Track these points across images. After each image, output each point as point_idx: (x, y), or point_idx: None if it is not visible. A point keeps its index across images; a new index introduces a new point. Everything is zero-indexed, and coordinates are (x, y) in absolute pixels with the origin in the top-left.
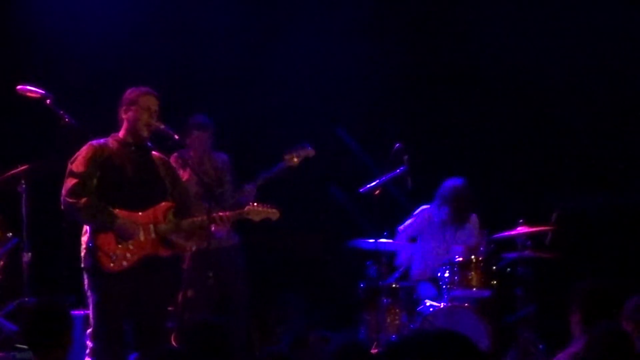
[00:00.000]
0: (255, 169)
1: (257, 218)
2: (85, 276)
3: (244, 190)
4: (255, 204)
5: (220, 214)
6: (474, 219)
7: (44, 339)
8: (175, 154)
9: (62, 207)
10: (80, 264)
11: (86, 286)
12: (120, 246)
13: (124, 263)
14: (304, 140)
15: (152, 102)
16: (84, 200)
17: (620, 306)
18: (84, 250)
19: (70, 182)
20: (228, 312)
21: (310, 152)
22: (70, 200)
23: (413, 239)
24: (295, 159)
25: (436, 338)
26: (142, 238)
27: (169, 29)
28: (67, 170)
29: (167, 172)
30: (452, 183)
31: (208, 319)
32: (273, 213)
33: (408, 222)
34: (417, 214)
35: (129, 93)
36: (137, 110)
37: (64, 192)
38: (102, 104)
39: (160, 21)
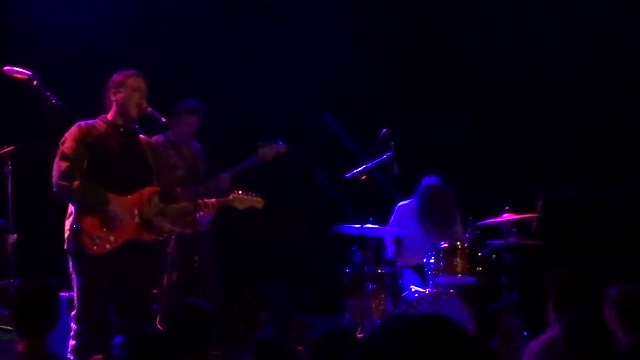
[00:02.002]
0: (244, 155)
1: (241, 206)
2: (69, 258)
3: (220, 178)
4: (240, 191)
5: (206, 200)
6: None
7: (32, 320)
8: (162, 137)
9: (55, 189)
10: (64, 246)
11: (70, 268)
12: (104, 229)
13: (107, 246)
14: (277, 135)
15: (140, 83)
16: (76, 182)
17: (592, 294)
18: (68, 232)
19: (62, 165)
20: (203, 295)
21: (281, 148)
22: (63, 183)
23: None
24: (269, 155)
25: (422, 322)
26: (126, 221)
27: (155, 12)
28: (58, 152)
29: (153, 155)
30: (429, 183)
31: (193, 302)
32: (258, 202)
33: (390, 220)
34: (395, 212)
35: (117, 76)
36: (126, 91)
37: (55, 174)
38: (89, 86)
39: (147, 5)
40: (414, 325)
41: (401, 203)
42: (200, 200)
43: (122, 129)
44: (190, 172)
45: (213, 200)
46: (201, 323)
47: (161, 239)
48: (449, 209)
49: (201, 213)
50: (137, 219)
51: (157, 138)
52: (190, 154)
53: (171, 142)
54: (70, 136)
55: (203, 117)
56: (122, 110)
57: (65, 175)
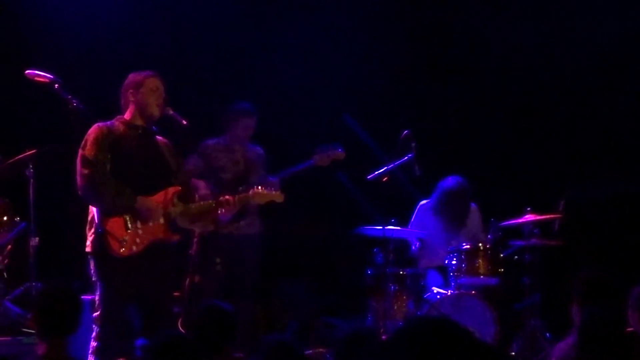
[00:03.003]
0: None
1: (261, 201)
2: (92, 261)
3: (267, 182)
4: (259, 187)
5: (227, 197)
6: (474, 209)
7: (54, 323)
8: (215, 140)
9: (81, 195)
10: (85, 249)
11: (92, 271)
12: (129, 231)
13: (134, 247)
14: (335, 142)
15: (158, 84)
16: (101, 186)
17: (617, 296)
18: (92, 236)
19: (86, 170)
20: (233, 299)
21: (341, 155)
22: (88, 188)
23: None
24: (326, 160)
25: (434, 328)
26: (150, 223)
27: (176, 13)
28: (80, 158)
29: (172, 155)
30: (449, 184)
31: (216, 304)
32: (277, 196)
33: (411, 220)
34: (416, 211)
35: (134, 76)
36: (145, 92)
37: (80, 180)
38: (109, 89)
39: (168, 5)
40: (421, 332)
41: (422, 202)
42: (220, 198)
43: (140, 130)
44: (238, 177)
45: (233, 197)
46: (224, 325)
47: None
48: (467, 208)
49: (222, 210)
50: (162, 220)
51: (210, 141)
52: (244, 158)
53: (224, 145)
54: (90, 139)
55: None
56: (141, 110)
57: (90, 179)
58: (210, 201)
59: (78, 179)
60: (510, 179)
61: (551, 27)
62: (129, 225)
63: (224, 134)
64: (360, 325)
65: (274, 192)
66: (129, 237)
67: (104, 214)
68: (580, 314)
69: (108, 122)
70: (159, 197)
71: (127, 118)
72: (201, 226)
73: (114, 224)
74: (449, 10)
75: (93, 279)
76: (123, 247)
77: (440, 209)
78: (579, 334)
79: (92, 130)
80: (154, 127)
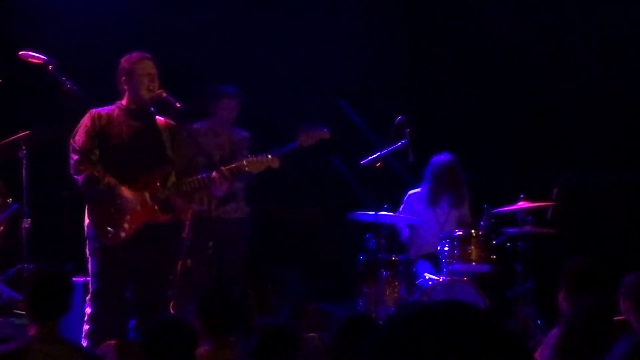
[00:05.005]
0: (258, 141)
1: (256, 170)
2: (87, 242)
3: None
4: (252, 155)
5: (221, 169)
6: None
7: (45, 305)
8: (202, 124)
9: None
10: (79, 232)
11: (88, 251)
12: (116, 219)
13: (122, 234)
14: (320, 122)
15: (149, 67)
16: (83, 176)
17: (604, 284)
18: (87, 221)
19: (73, 159)
20: (217, 282)
21: (325, 134)
22: (75, 177)
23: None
24: (311, 140)
25: (444, 307)
26: (137, 208)
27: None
28: (69, 146)
29: (170, 137)
30: (440, 160)
31: (218, 287)
32: (273, 161)
33: (400, 209)
34: (405, 200)
35: (124, 62)
36: (136, 78)
37: (70, 167)
38: (104, 71)
39: None
40: (437, 312)
41: (411, 191)
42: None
43: (135, 114)
44: (224, 160)
45: (224, 168)
46: (226, 309)
47: (179, 219)
48: (460, 187)
49: (213, 186)
50: (149, 203)
51: (196, 125)
52: (229, 141)
53: (210, 129)
54: (80, 127)
55: (242, 103)
56: (134, 96)
57: (76, 169)
58: (200, 177)
59: (70, 165)
60: (503, 166)
61: (546, 13)
62: (114, 213)
63: (209, 118)
64: (354, 310)
65: (268, 159)
66: (117, 224)
67: (91, 202)
68: (567, 302)
69: (104, 108)
70: (144, 181)
71: (124, 103)
72: (197, 203)
73: (102, 214)
74: None
75: (88, 258)
76: (111, 235)
77: (441, 184)
78: (566, 323)
79: (84, 118)
80: (152, 108)
